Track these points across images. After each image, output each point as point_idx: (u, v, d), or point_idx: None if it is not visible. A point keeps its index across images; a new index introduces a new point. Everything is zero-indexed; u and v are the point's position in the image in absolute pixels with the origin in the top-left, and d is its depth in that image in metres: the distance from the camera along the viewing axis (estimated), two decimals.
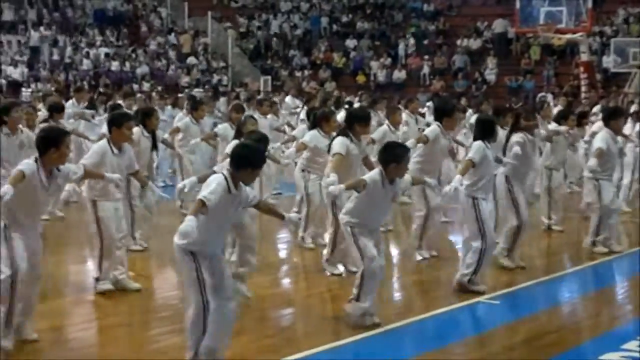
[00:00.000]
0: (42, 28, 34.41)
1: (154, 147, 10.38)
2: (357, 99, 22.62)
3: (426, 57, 34.04)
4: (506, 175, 9.76)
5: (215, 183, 5.94)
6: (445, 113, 10.17)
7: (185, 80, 33.01)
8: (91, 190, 8.35)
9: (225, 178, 6.00)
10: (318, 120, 10.50)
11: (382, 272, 7.55)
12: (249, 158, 6.09)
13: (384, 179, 7.27)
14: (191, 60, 34.76)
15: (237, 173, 6.02)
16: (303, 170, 10.67)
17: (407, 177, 7.55)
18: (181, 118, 15.40)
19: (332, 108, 15.99)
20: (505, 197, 9.82)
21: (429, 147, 10.15)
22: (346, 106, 16.77)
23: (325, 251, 9.68)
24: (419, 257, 10.31)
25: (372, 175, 7.38)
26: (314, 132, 10.42)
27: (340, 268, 9.54)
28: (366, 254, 7.34)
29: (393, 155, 7.28)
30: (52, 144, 6.49)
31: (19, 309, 6.60)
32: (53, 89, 27.61)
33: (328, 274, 9.48)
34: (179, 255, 6.08)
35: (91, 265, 8.90)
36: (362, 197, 7.30)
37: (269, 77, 33.68)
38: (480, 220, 8.64)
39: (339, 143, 9.03)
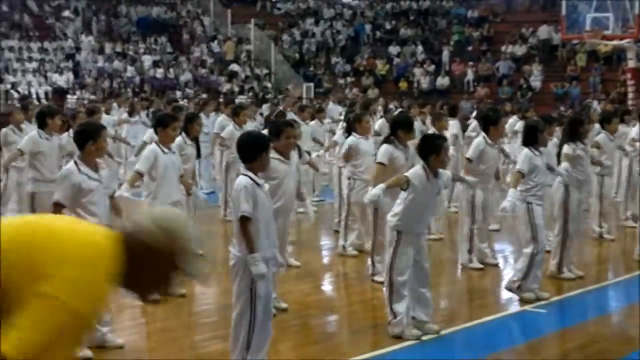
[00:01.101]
0: (83, 35, 34.76)
1: (198, 154, 10.45)
2: (396, 105, 22.59)
3: (470, 63, 33.82)
4: (565, 185, 9.61)
5: (242, 191, 5.89)
6: (491, 122, 10.05)
7: (227, 87, 33.15)
8: (149, 193, 8.41)
9: (249, 177, 5.97)
10: (351, 123, 10.57)
11: (427, 278, 7.43)
12: (256, 143, 6.07)
13: (427, 173, 7.17)
14: (234, 67, 34.91)
15: (253, 164, 6.00)
16: (349, 179, 10.63)
17: (448, 172, 7.50)
18: (222, 123, 15.42)
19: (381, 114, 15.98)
20: (558, 207, 9.68)
21: (477, 161, 10.08)
22: (379, 114, 16.72)
23: (370, 260, 9.64)
24: (471, 265, 10.22)
25: (415, 170, 7.26)
26: (351, 138, 10.42)
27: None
28: (397, 267, 7.21)
29: (431, 146, 7.20)
30: (89, 137, 6.66)
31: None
32: (91, 95, 27.90)
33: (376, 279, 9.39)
34: (236, 266, 5.98)
35: None
36: (409, 196, 7.19)
37: (312, 84, 33.71)
38: (534, 225, 8.59)
39: (382, 152, 8.98)
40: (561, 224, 9.62)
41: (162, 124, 8.47)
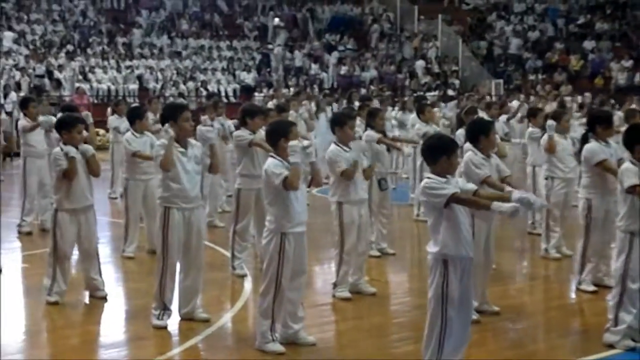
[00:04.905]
0: (274, 33, 35.52)
1: (388, 149, 10.39)
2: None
3: None
4: None
5: (437, 184, 5.75)
6: None
7: (414, 84, 32.92)
8: (336, 191, 8.36)
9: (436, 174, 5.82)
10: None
11: None
12: (439, 146, 5.90)
13: (637, 165, 6.81)
14: (421, 63, 34.64)
15: (436, 167, 5.85)
16: (547, 178, 10.24)
17: None
18: (413, 121, 15.22)
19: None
20: None
21: None
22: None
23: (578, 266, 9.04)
24: None
25: (626, 167, 6.86)
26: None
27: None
28: (631, 273, 6.76)
29: (638, 137, 6.93)
30: (281, 135, 6.72)
31: (290, 315, 6.83)
32: (288, 92, 28.28)
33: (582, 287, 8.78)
34: (433, 265, 5.86)
35: (331, 269, 8.90)
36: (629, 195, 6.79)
37: (501, 81, 32.93)
38: None
39: (595, 150, 8.38)
40: None
41: (338, 124, 8.40)
